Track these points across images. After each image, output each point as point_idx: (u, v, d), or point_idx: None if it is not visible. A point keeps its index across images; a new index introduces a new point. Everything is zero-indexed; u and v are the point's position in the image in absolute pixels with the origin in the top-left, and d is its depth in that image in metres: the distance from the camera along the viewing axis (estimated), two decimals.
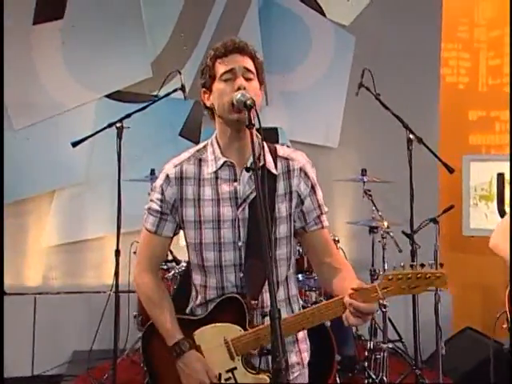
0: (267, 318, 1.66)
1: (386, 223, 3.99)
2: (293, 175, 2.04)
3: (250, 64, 1.98)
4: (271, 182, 1.99)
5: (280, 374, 1.56)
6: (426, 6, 5.39)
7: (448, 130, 5.49)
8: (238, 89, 1.92)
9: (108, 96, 5.08)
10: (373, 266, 4.19)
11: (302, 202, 2.05)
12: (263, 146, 2.01)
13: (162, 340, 2.04)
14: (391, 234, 3.97)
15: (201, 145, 2.12)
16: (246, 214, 1.99)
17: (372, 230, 4.14)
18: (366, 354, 4.09)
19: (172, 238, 2.12)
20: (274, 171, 2.02)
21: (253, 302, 1.97)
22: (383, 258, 4.11)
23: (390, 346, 4.20)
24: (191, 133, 5.15)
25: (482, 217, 5.22)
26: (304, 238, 2.10)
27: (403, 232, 3.76)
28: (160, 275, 2.21)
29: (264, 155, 1.94)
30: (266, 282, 1.92)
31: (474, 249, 5.12)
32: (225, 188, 2.00)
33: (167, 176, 2.05)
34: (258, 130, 1.88)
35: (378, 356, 4.05)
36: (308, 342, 2.19)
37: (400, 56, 5.33)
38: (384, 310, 4.06)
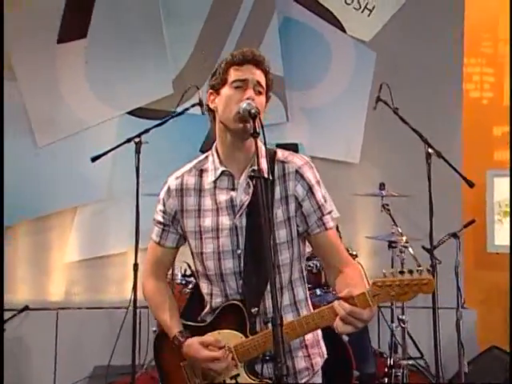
0: (270, 325, 1.70)
1: (404, 238, 3.99)
2: (288, 178, 2.04)
3: (262, 79, 2.03)
4: (267, 186, 2.00)
5: (282, 380, 1.59)
6: (447, 21, 5.39)
7: (472, 145, 5.48)
8: (247, 99, 1.96)
9: (130, 113, 5.20)
10: None
11: (300, 205, 2.04)
12: (260, 153, 2.01)
13: (172, 345, 2.09)
14: (410, 248, 3.97)
15: (203, 155, 2.17)
16: (243, 222, 2.02)
17: (391, 245, 4.14)
18: (386, 370, 4.08)
19: (176, 248, 2.18)
20: (267, 176, 2.02)
21: (253, 309, 2.00)
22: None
23: (411, 362, 4.18)
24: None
25: (506, 233, 5.19)
26: (310, 241, 2.10)
27: (423, 247, 3.75)
28: (166, 282, 2.26)
29: (260, 162, 1.92)
30: (267, 289, 1.96)
31: (499, 265, 5.08)
32: (222, 197, 2.05)
33: (168, 188, 2.13)
34: (256, 138, 1.90)
35: (398, 373, 4.03)
36: (322, 347, 2.19)
37: (422, 71, 5.34)
38: (403, 325, 4.05)
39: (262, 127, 1.89)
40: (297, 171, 2.05)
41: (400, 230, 4.09)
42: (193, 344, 2.03)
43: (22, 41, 5.09)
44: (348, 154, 5.39)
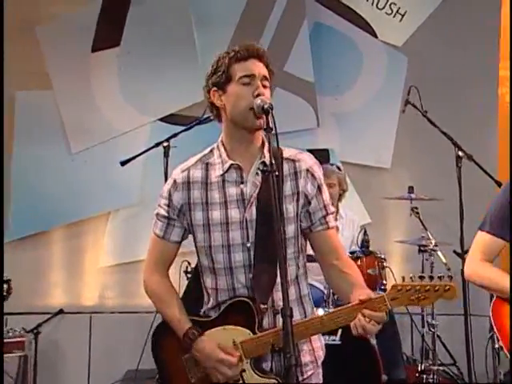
0: (279, 316, 1.73)
1: (433, 241, 3.99)
2: (300, 176, 2.10)
3: (266, 71, 2.08)
4: (279, 186, 2.02)
5: (291, 371, 1.63)
6: (481, 24, 5.38)
7: (507, 148, 5.44)
8: (258, 95, 2.00)
9: (161, 119, 5.32)
10: None
11: (308, 202, 2.10)
12: (264, 147, 2.09)
13: (171, 339, 2.12)
14: (438, 252, 3.98)
15: (208, 149, 2.19)
16: (253, 215, 2.06)
17: (421, 249, 4.14)
18: (417, 375, 4.08)
19: (180, 242, 2.19)
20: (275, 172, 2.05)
21: (262, 305, 2.02)
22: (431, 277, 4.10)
23: (442, 368, 4.17)
24: None
25: None
26: (310, 238, 2.15)
27: (455, 251, 3.76)
28: (169, 277, 2.24)
29: (270, 157, 1.96)
30: (275, 283, 2.01)
31: None
32: (232, 190, 2.08)
33: (174, 181, 2.14)
34: (269, 133, 1.94)
35: (429, 379, 4.02)
36: (322, 340, 2.22)
37: (455, 76, 5.34)
38: (433, 330, 4.05)
39: (275, 122, 1.93)
40: (308, 170, 2.11)
41: (429, 234, 4.10)
42: (210, 342, 2.04)
43: (57, 50, 5.25)
44: (379, 159, 5.41)
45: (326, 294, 3.68)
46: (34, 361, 4.72)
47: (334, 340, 3.32)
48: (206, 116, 3.85)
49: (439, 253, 4.00)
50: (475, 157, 3.68)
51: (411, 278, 1.87)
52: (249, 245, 2.06)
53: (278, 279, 1.96)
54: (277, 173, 1.89)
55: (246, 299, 2.05)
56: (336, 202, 4.42)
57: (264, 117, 1.94)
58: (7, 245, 5.02)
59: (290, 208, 2.07)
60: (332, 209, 2.15)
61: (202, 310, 2.20)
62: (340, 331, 3.33)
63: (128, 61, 5.34)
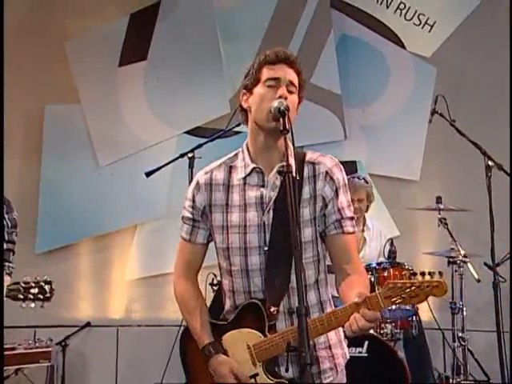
0: (295, 316, 1.75)
1: (462, 252, 3.96)
2: (318, 179, 2.11)
3: (295, 78, 2.10)
4: (295, 186, 2.04)
5: (306, 369, 1.65)
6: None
7: None
8: (279, 97, 2.03)
9: (188, 132, 5.39)
10: (452, 298, 4.16)
11: (326, 205, 2.10)
12: (289, 152, 2.07)
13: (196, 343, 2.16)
14: (468, 264, 3.94)
15: (233, 153, 2.22)
16: (271, 219, 2.08)
17: (450, 260, 4.11)
18: None
19: (206, 244, 2.22)
20: (296, 176, 2.04)
21: (272, 309, 2.04)
22: (461, 289, 4.07)
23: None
24: None
25: None
26: (326, 242, 2.15)
27: (485, 264, 3.72)
28: (197, 283, 2.27)
29: (287, 160, 1.97)
30: (290, 287, 2.03)
31: None
32: (251, 193, 2.11)
33: (197, 183, 2.18)
34: (285, 135, 1.96)
35: None
36: (345, 348, 2.22)
37: (484, 86, 5.30)
38: (463, 343, 4.00)
39: (291, 125, 1.96)
40: (327, 172, 2.12)
41: (459, 245, 4.07)
42: (224, 365, 2.07)
43: (85, 64, 5.39)
44: (408, 170, 5.38)
45: None
46: (62, 373, 4.80)
47: (361, 352, 3.32)
48: (230, 127, 3.91)
49: (470, 266, 3.96)
50: (505, 166, 3.65)
51: (403, 275, 1.88)
52: (266, 248, 2.08)
53: (294, 284, 1.96)
54: (293, 174, 1.91)
55: (256, 301, 2.08)
56: (363, 214, 4.43)
57: (281, 119, 1.97)
58: (35, 257, 5.14)
59: (306, 211, 2.09)
60: (349, 213, 2.13)
61: (223, 313, 2.23)
62: (366, 343, 3.33)
63: (154, 75, 5.43)
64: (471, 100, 5.14)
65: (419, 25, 5.58)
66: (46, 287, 2.57)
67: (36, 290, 2.55)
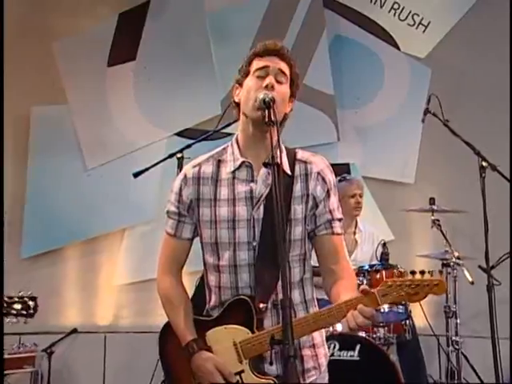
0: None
1: (456, 254, 3.99)
2: (310, 178, 2.14)
3: (286, 69, 2.12)
4: (287, 182, 2.09)
5: (290, 361, 1.66)
6: (507, 34, 5.39)
7: None
8: (266, 86, 2.05)
9: (178, 134, 5.40)
10: (447, 302, 4.18)
11: (316, 205, 2.14)
12: (279, 146, 2.08)
13: (177, 340, 2.15)
14: (462, 267, 3.97)
15: (222, 146, 2.24)
16: (260, 214, 2.10)
17: (444, 263, 4.13)
18: None
19: (192, 239, 2.23)
20: (288, 171, 2.12)
21: (261, 305, 2.06)
22: (455, 292, 4.10)
23: None
24: None
25: None
26: (314, 242, 2.18)
27: (480, 267, 3.73)
28: (181, 279, 2.28)
29: (280, 155, 2.00)
30: (277, 284, 2.04)
31: None
32: (241, 188, 2.12)
33: (185, 176, 2.19)
34: (273, 126, 1.97)
35: None
36: (326, 348, 2.24)
37: (480, 87, 5.34)
38: (457, 347, 4.02)
39: (276, 117, 1.98)
40: (319, 173, 2.15)
41: (451, 246, 4.10)
42: (208, 361, 2.08)
43: (73, 64, 5.40)
44: (403, 173, 5.41)
45: None
46: (48, 381, 4.77)
47: (352, 356, 3.33)
48: (220, 127, 3.93)
49: (465, 270, 3.98)
50: (500, 167, 3.67)
51: (402, 273, 1.92)
52: (255, 244, 2.10)
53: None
54: (282, 167, 1.94)
55: (245, 298, 2.09)
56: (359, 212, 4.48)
57: (266, 110, 1.99)
58: (20, 262, 5.14)
59: (298, 209, 2.12)
60: (338, 215, 2.18)
61: (206, 309, 2.23)
62: (358, 347, 3.35)
63: (144, 75, 5.45)
64: (467, 101, 5.18)
65: (413, 25, 5.62)
66: (30, 303, 2.53)
67: (19, 306, 2.51)
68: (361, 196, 4.52)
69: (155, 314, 5.28)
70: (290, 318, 1.73)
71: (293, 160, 2.16)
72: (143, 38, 5.45)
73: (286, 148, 2.18)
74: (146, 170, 4.02)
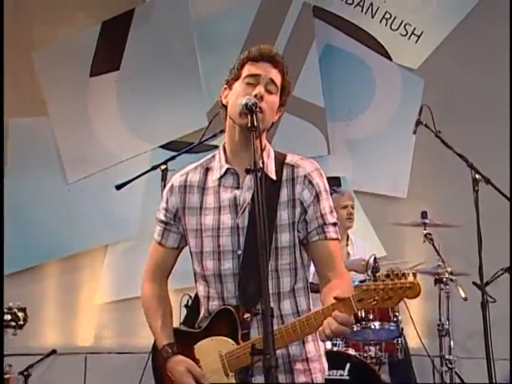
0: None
1: (449, 269, 4.05)
2: (296, 182, 2.15)
3: (277, 78, 2.14)
4: (271, 187, 2.11)
5: (271, 372, 1.68)
6: (500, 45, 5.46)
7: None
8: (255, 96, 2.07)
9: (163, 146, 5.44)
10: (440, 320, 4.23)
11: (305, 210, 2.14)
12: (264, 151, 2.14)
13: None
14: (459, 288, 4.01)
15: (211, 154, 2.27)
16: (245, 222, 2.12)
17: (437, 278, 4.18)
18: None
19: (178, 249, 2.28)
20: (272, 177, 2.14)
21: (246, 315, 2.08)
22: (448, 309, 4.15)
23: None
24: None
25: None
26: (308, 249, 2.18)
27: (474, 283, 3.77)
28: (166, 285, 2.33)
29: (263, 159, 2.03)
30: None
31: None
32: (225, 195, 2.15)
33: (172, 185, 2.25)
34: (256, 132, 2.00)
35: None
36: (324, 362, 2.23)
37: (474, 99, 5.42)
38: (450, 365, 4.07)
39: (258, 122, 2.00)
40: (306, 176, 2.16)
41: (443, 261, 4.15)
42: (180, 364, 2.13)
43: (53, 75, 5.45)
44: (395, 187, 5.47)
45: None
46: None
47: (342, 375, 3.37)
48: (205, 138, 3.99)
49: (459, 288, 4.03)
50: (493, 180, 3.75)
51: (377, 277, 1.91)
52: (239, 252, 2.12)
53: (270, 290, 2.01)
54: (259, 170, 1.94)
55: (230, 308, 2.11)
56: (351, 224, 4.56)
57: (249, 116, 2.02)
58: None
59: (284, 215, 2.13)
60: (331, 219, 2.17)
61: (198, 321, 2.25)
62: (348, 365, 3.38)
63: (128, 86, 5.51)
64: (460, 113, 5.26)
65: (406, 35, 5.71)
66: (20, 314, 2.56)
67: (9, 317, 2.54)
68: (352, 207, 4.60)
69: (139, 334, 5.30)
70: (272, 328, 1.76)
71: (281, 164, 2.18)
72: (127, 47, 5.51)
73: (275, 152, 2.21)
74: (129, 182, 4.05)
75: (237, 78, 2.16)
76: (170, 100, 5.47)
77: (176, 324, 2.32)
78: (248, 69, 2.14)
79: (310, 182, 2.16)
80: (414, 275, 1.86)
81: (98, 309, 5.39)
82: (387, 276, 1.88)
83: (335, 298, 1.91)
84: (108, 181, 5.29)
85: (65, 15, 5.57)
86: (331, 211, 2.19)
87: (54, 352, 5.18)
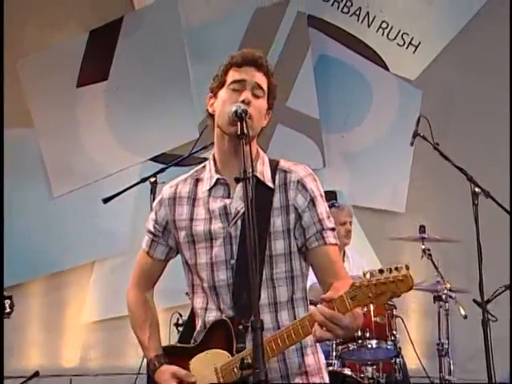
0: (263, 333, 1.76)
1: (448, 285, 4.06)
2: (289, 188, 2.14)
3: (263, 82, 2.16)
4: (266, 194, 2.12)
5: None
6: (500, 56, 5.51)
7: None
8: (243, 101, 2.08)
9: (153, 159, 5.45)
10: (439, 339, 4.24)
11: (300, 216, 2.14)
12: (258, 159, 2.17)
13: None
14: (460, 307, 4.02)
15: (201, 165, 2.28)
16: (238, 231, 2.12)
17: (436, 296, 4.19)
18: None
19: (165, 261, 2.30)
20: (269, 184, 2.14)
21: (240, 326, 2.07)
22: (447, 326, 4.16)
23: None
24: None
25: None
26: (307, 256, 2.17)
27: (474, 300, 3.77)
28: (151, 294, 2.36)
29: (253, 167, 2.02)
30: (261, 303, 2.06)
31: None
32: (215, 205, 2.16)
33: (161, 197, 2.27)
34: (246, 139, 2.01)
35: None
36: (325, 376, 2.21)
37: (474, 110, 5.47)
38: None
39: (248, 130, 2.01)
40: (299, 181, 2.15)
41: (442, 277, 4.17)
42: (165, 372, 2.16)
43: (39, 84, 5.46)
44: (393, 201, 5.50)
45: (330, 346, 3.75)
46: None
47: None
48: (195, 150, 4.00)
49: (460, 307, 4.02)
50: (494, 193, 3.77)
51: (371, 273, 1.85)
52: (233, 262, 2.13)
53: (266, 300, 2.06)
54: (248, 178, 1.94)
55: (225, 319, 2.11)
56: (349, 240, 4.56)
57: (239, 123, 2.03)
58: None
59: (277, 222, 2.13)
60: (330, 224, 2.17)
61: (195, 335, 2.25)
62: None
63: (117, 97, 5.52)
64: (459, 125, 5.30)
65: (403, 45, 5.75)
66: (6, 302, 2.56)
67: None
68: (351, 224, 4.59)
69: (127, 354, 5.29)
70: (262, 340, 1.75)
71: (274, 170, 2.18)
72: (116, 56, 5.53)
73: (269, 159, 2.22)
74: (117, 195, 4.03)
75: (221, 86, 2.18)
76: (161, 111, 5.48)
77: (164, 343, 2.32)
78: (232, 75, 2.16)
79: (304, 187, 2.16)
80: (407, 267, 1.82)
81: (84, 328, 5.37)
82: (381, 271, 1.85)
83: (323, 298, 1.90)
84: (96, 195, 5.25)
85: (52, 23, 5.58)
86: (328, 216, 2.18)
87: (37, 374, 5.16)
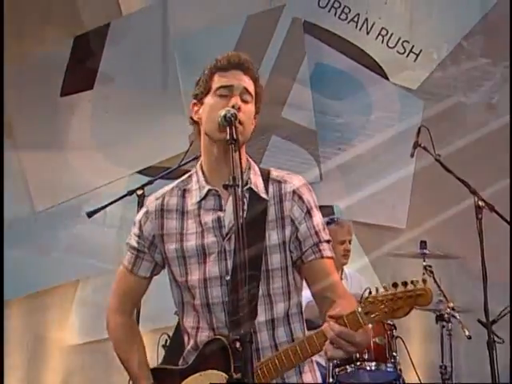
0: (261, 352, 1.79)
1: (451, 304, 4.05)
2: (285, 199, 2.15)
3: (250, 86, 2.17)
4: (260, 206, 2.12)
5: None
6: (503, 63, 5.55)
7: None
8: (233, 107, 2.08)
9: (140, 172, 5.44)
10: (442, 361, 4.23)
11: (296, 228, 2.14)
12: (250, 167, 2.17)
13: None
14: (457, 317, 4.03)
15: (186, 175, 2.26)
16: (232, 245, 2.10)
17: (438, 315, 4.19)
18: None
19: (149, 278, 2.27)
20: (263, 195, 2.14)
21: (238, 344, 2.00)
22: (450, 348, 4.15)
23: None
24: None
25: None
26: (302, 269, 2.17)
27: (479, 321, 3.77)
28: (134, 318, 2.36)
29: (242, 172, 2.01)
30: (256, 321, 2.05)
31: None
32: (207, 218, 2.14)
33: (147, 210, 2.23)
34: (235, 145, 2.01)
35: None
36: None
37: (478, 120, 5.49)
38: None
39: (237, 135, 2.02)
40: (294, 192, 2.17)
41: (443, 295, 4.16)
42: None
43: (20, 93, 5.45)
44: (392, 216, 5.51)
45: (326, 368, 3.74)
46: None
47: None
48: (184, 162, 4.00)
49: (464, 328, 4.02)
50: (497, 207, 3.78)
51: (384, 287, 1.87)
52: (228, 278, 2.12)
53: (263, 317, 2.07)
54: (238, 186, 1.94)
55: (220, 337, 2.09)
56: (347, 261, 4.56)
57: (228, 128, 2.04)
58: None
59: (273, 235, 2.13)
60: (326, 236, 2.18)
61: (184, 355, 2.23)
62: None
63: (102, 106, 5.52)
64: (461, 136, 5.32)
65: (404, 53, 5.76)
66: None
67: None
68: (350, 242, 4.58)
69: (113, 380, 5.24)
70: (251, 354, 1.76)
71: (266, 181, 2.19)
72: (101, 64, 5.54)
73: (259, 169, 2.22)
74: (102, 208, 4.02)
75: (207, 92, 2.17)
76: (149, 122, 5.48)
77: (152, 365, 2.30)
78: (218, 80, 2.16)
79: (300, 198, 2.17)
80: (424, 281, 1.87)
81: (67, 352, 5.33)
82: (394, 285, 1.87)
83: (331, 316, 1.91)
84: (80, 209, 5.29)
85: (34, 29, 5.58)
86: (324, 228, 2.20)
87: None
